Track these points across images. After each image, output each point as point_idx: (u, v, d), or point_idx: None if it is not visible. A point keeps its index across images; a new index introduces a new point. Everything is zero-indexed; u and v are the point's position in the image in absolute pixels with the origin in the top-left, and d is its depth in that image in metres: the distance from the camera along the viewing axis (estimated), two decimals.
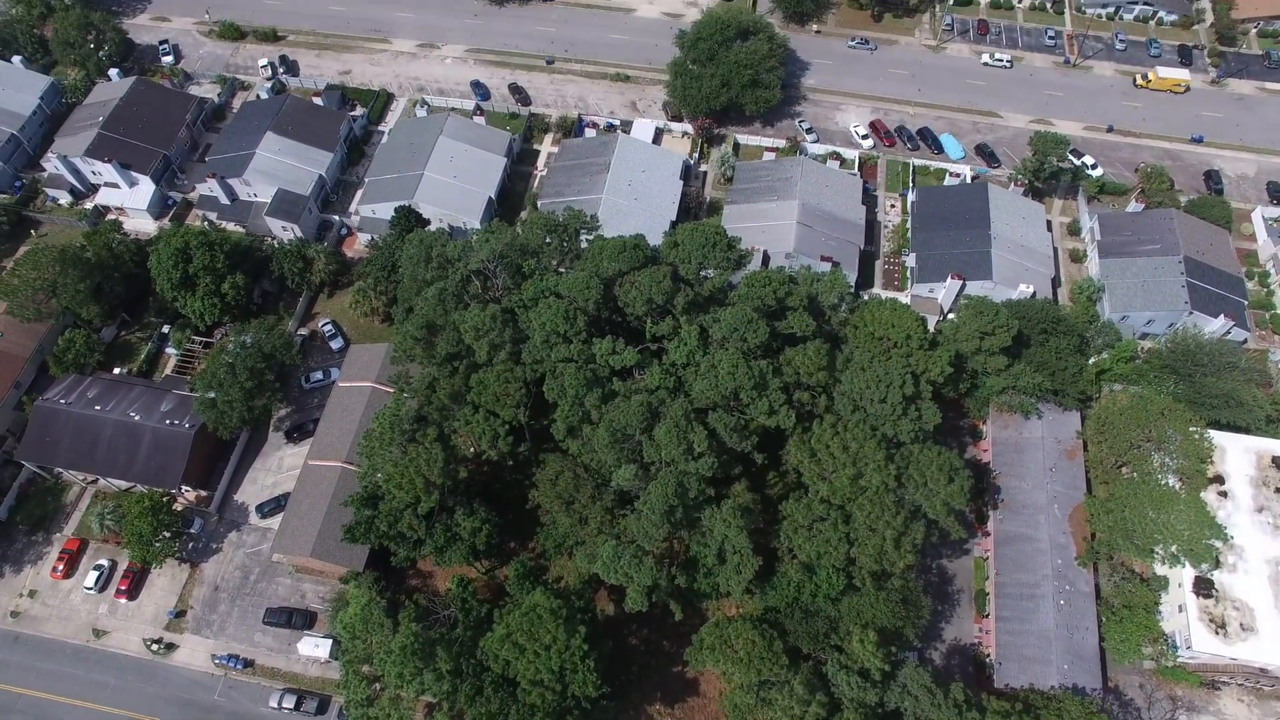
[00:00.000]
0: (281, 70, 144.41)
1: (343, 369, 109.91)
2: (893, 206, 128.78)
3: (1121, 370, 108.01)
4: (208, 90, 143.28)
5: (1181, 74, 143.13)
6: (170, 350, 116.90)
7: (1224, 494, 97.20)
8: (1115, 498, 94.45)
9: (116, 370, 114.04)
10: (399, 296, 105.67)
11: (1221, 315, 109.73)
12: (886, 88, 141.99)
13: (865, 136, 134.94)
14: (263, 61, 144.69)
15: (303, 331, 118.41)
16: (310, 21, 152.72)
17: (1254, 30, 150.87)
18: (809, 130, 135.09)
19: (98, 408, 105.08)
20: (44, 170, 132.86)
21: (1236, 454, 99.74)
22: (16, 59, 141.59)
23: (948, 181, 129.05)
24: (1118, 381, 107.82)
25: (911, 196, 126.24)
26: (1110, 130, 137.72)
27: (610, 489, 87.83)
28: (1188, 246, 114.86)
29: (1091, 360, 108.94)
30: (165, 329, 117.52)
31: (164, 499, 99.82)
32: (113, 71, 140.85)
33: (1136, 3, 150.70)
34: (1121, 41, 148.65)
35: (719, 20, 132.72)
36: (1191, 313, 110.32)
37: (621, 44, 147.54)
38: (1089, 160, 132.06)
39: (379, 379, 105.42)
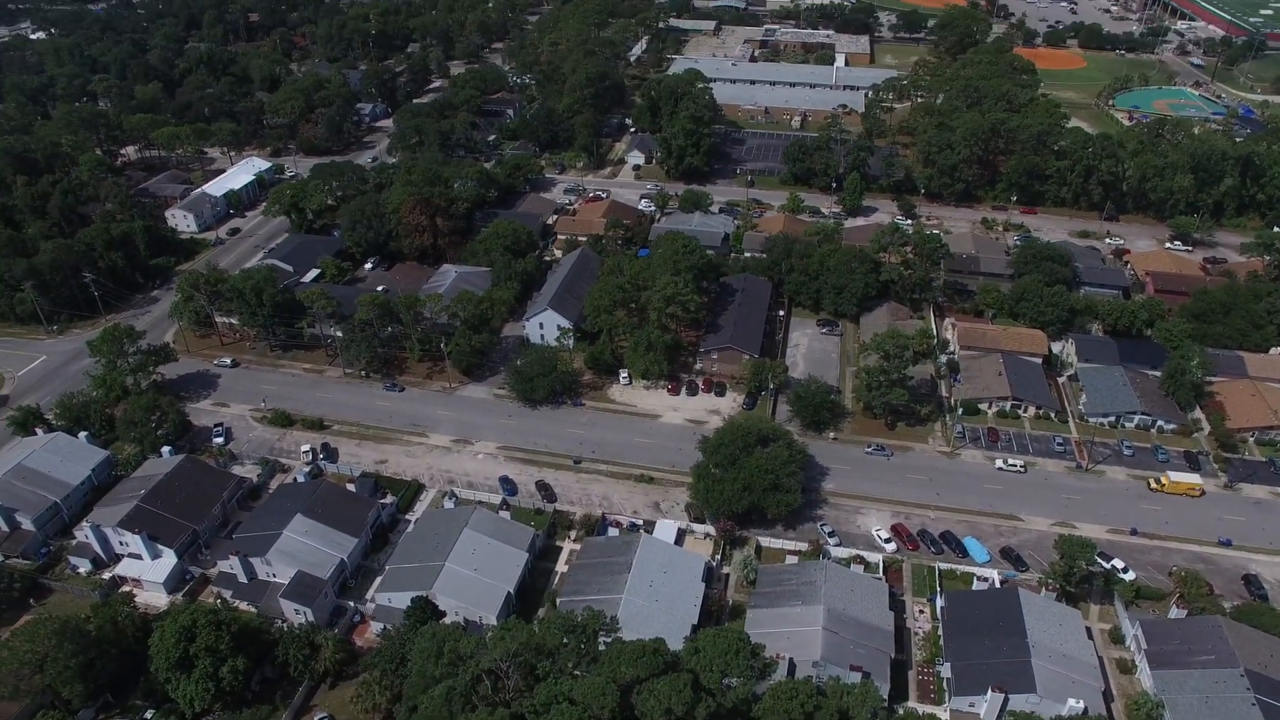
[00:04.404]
0: (321, 456, 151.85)
1: None
2: (921, 612, 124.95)
3: None
4: (250, 470, 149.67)
5: (1193, 479, 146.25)
6: None
7: None
8: None
9: None
10: (405, 693, 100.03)
11: None
12: (905, 492, 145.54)
13: (888, 540, 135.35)
14: (305, 447, 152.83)
15: None
16: (356, 414, 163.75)
17: (1251, 439, 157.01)
18: (831, 534, 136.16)
19: None
20: (74, 538, 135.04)
21: None
22: (83, 434, 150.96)
23: (976, 586, 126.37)
24: None
25: (940, 602, 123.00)
26: (1134, 533, 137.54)
27: None
28: (1246, 658, 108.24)
29: None
30: (149, 714, 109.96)
31: None
32: (165, 449, 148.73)
33: (1135, 413, 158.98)
34: (1128, 448, 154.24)
35: (740, 428, 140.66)
36: None
37: (646, 447, 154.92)
38: (1119, 563, 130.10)
39: None
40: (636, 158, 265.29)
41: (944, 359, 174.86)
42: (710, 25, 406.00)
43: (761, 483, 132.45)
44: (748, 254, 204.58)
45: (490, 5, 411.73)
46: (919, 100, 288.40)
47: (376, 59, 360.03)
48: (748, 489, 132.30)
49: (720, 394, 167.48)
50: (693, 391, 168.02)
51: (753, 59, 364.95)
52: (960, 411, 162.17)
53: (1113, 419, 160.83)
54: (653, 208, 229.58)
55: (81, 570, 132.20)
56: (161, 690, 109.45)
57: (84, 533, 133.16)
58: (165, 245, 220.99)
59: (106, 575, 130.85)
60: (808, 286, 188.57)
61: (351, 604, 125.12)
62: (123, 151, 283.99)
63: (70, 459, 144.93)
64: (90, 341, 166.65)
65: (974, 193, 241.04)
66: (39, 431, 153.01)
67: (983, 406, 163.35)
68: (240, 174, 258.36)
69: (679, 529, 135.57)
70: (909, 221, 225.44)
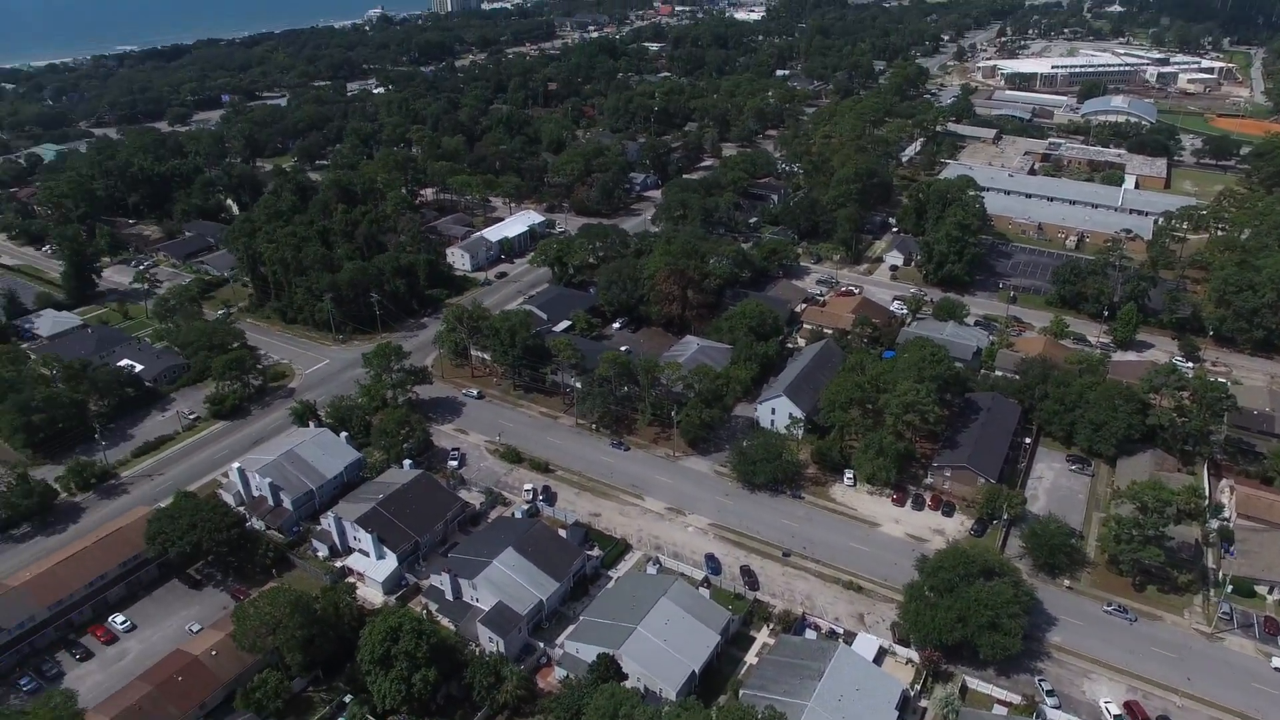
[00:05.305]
0: (541, 498, 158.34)
1: None
2: None
3: None
4: (474, 497, 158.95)
5: None
6: None
7: None
8: None
9: None
10: None
11: None
12: (1147, 666, 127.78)
13: (1119, 717, 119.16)
14: (528, 486, 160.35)
15: None
16: (580, 464, 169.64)
17: None
18: (1049, 692, 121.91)
19: None
20: (319, 524, 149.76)
21: None
22: (343, 434, 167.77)
23: None
24: None
25: None
26: None
27: None
28: None
29: None
30: (347, 698, 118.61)
31: None
32: (406, 462, 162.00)
33: None
34: None
35: (964, 554, 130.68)
36: None
37: (860, 554, 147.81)
38: None
39: None
40: (895, 258, 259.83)
41: (1215, 525, 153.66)
42: (990, 133, 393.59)
43: (979, 618, 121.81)
44: (999, 373, 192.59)
45: (770, 94, 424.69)
46: (1218, 233, 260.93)
47: (655, 133, 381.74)
48: (962, 621, 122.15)
49: (948, 514, 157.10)
50: (919, 506, 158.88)
51: (1032, 171, 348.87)
52: (1230, 589, 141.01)
53: None
54: (904, 310, 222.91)
55: (320, 554, 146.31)
56: (362, 680, 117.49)
57: (328, 521, 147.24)
58: (441, 279, 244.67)
59: (338, 564, 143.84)
60: (1061, 417, 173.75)
61: (541, 645, 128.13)
62: (422, 192, 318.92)
63: (330, 454, 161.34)
64: (365, 354, 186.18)
65: (1277, 342, 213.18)
66: (310, 425, 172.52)
67: (1261, 590, 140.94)
68: (516, 224, 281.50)
69: (880, 647, 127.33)
70: (1190, 364, 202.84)
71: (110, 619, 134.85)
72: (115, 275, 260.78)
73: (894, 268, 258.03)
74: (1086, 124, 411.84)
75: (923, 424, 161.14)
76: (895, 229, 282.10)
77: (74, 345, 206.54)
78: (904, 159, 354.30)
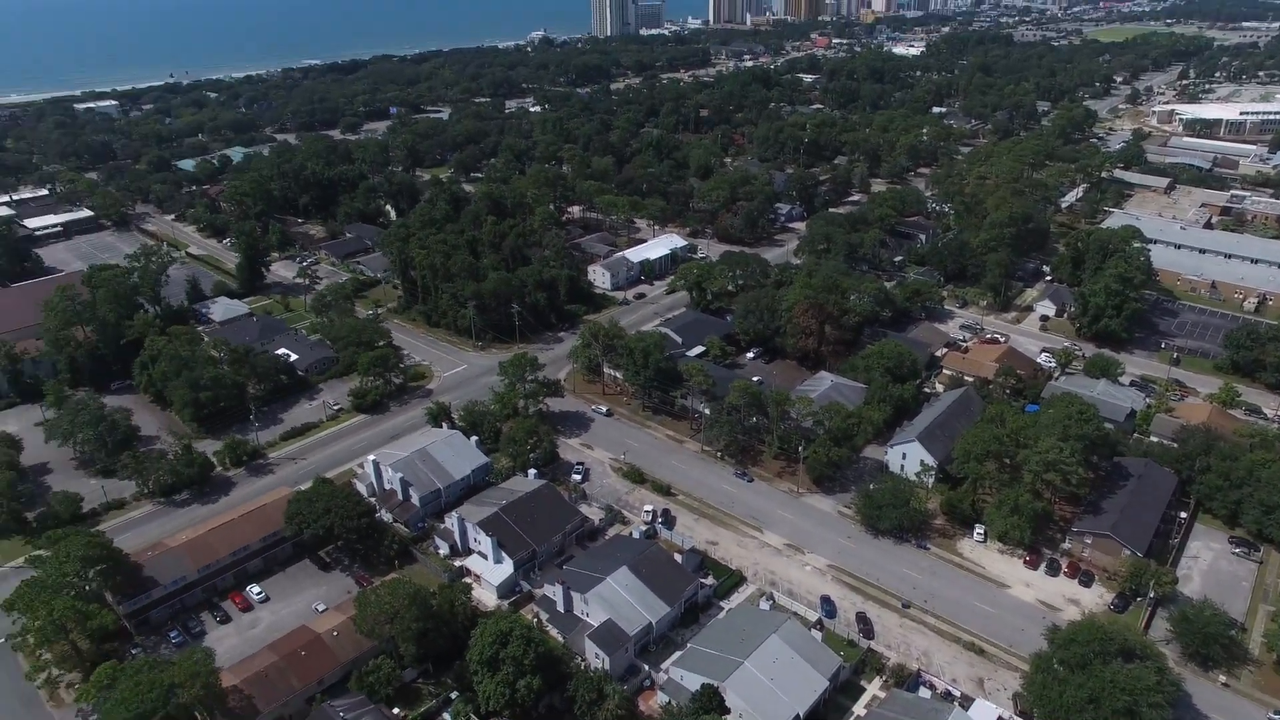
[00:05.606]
0: (660, 520, 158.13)
1: None
2: None
3: None
4: (594, 512, 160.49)
5: None
6: (446, 718, 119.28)
7: None
8: None
9: (396, 711, 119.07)
10: None
11: None
12: None
13: None
14: (648, 507, 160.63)
15: None
16: (702, 490, 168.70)
17: None
18: None
19: None
20: (443, 523, 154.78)
21: None
22: (474, 438, 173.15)
23: None
24: None
25: None
26: None
27: None
28: None
29: None
30: (453, 694, 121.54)
31: None
32: (531, 471, 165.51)
33: None
34: None
35: (1101, 630, 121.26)
36: None
37: (985, 615, 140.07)
38: None
39: None
40: (1046, 308, 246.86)
41: None
42: (1162, 182, 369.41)
43: (1114, 702, 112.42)
44: (1155, 439, 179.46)
45: (924, 131, 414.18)
46: None
47: (803, 165, 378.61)
48: (1094, 702, 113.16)
49: (1086, 584, 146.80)
50: (1053, 571, 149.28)
51: (1208, 225, 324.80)
52: None
53: None
54: (1053, 363, 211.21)
55: (440, 552, 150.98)
56: (469, 679, 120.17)
57: (451, 521, 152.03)
58: (581, 295, 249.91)
59: (457, 563, 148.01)
60: (1226, 494, 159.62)
61: (646, 667, 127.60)
62: (570, 209, 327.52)
63: (460, 456, 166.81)
64: (502, 362, 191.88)
65: None
66: (444, 426, 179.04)
67: None
68: (658, 246, 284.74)
69: (999, 717, 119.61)
70: None
71: (248, 589, 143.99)
72: (281, 269, 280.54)
73: (1044, 318, 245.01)
74: (1278, 176, 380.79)
75: (1064, 485, 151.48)
76: (1049, 277, 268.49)
77: (240, 331, 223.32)
78: (1064, 205, 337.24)
